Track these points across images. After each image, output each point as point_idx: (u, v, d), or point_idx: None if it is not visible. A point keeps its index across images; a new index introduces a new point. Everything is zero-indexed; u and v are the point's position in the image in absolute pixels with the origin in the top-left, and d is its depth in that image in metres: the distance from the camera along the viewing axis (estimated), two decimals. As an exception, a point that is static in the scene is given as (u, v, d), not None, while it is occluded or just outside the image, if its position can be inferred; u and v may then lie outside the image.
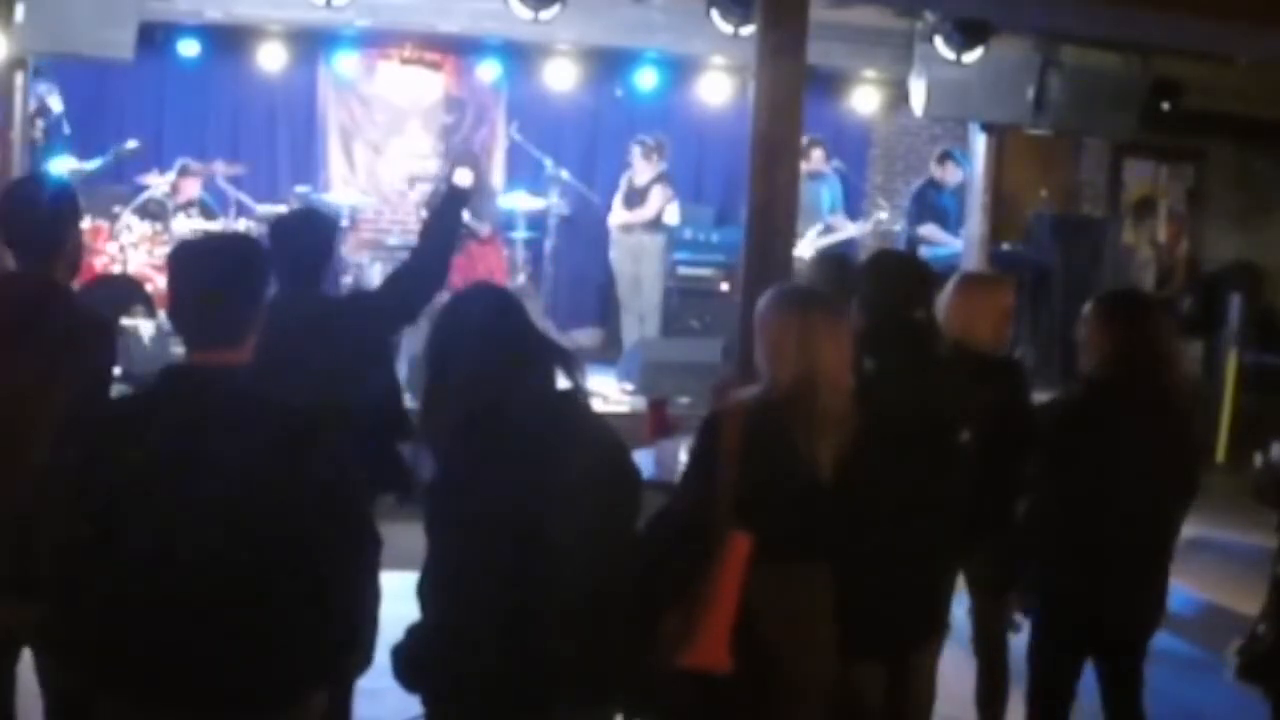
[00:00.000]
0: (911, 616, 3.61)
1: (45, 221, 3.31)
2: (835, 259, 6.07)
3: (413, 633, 2.72)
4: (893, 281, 3.75)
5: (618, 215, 9.89)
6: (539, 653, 2.66)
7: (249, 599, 2.47)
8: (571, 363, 2.83)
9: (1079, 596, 3.85)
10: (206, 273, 2.60)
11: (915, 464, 3.44)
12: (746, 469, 3.12)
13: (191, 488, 2.43)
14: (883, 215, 10.09)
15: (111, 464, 2.50)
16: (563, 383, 2.84)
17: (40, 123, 8.50)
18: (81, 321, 3.32)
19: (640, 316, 9.90)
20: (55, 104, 8.70)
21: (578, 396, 2.85)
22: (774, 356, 3.24)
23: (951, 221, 9.85)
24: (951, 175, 9.95)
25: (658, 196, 9.75)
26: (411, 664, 2.71)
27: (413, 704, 2.84)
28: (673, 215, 9.85)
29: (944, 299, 4.24)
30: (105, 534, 2.47)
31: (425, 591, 2.71)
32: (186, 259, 2.70)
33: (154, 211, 9.08)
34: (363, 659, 3.28)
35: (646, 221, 9.77)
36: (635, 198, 9.80)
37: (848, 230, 9.87)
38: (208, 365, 2.56)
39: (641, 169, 9.77)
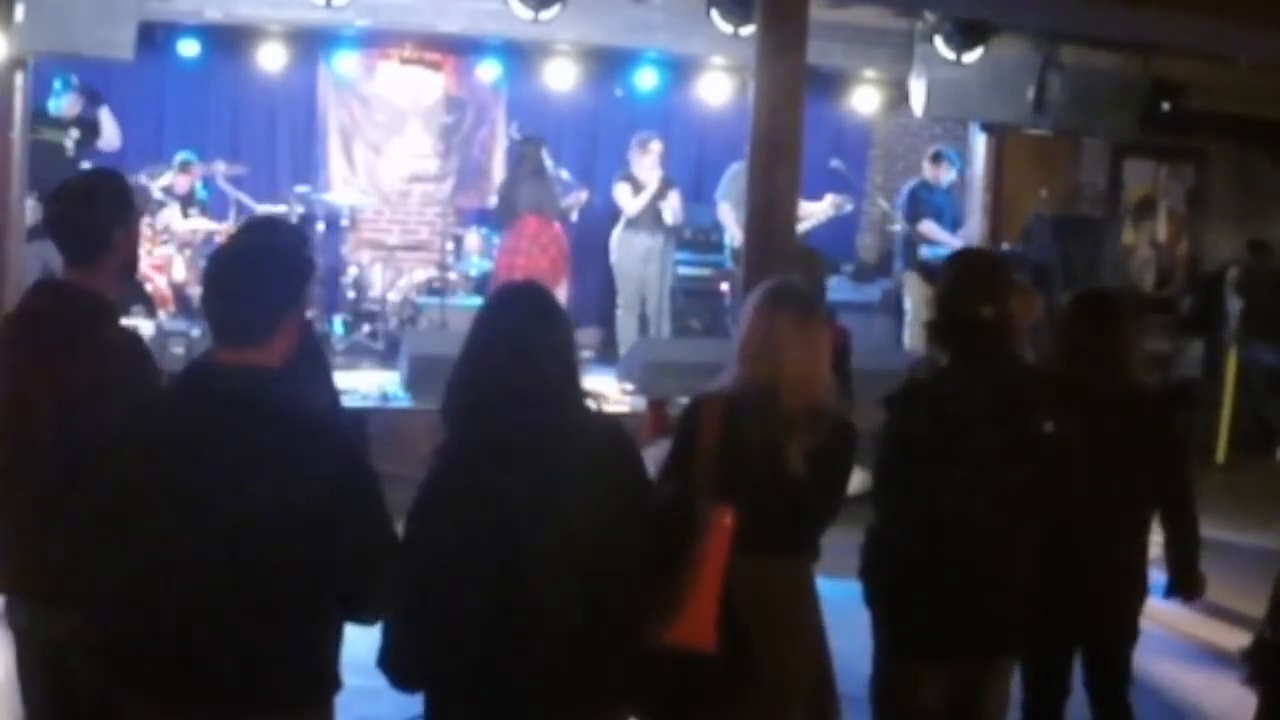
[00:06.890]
0: (979, 625, 3.51)
1: (85, 224, 3.15)
2: (805, 252, 6.00)
3: (389, 632, 2.67)
4: (957, 278, 3.67)
5: (637, 213, 9.66)
6: (524, 658, 2.63)
7: (264, 601, 2.46)
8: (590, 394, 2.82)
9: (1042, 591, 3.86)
10: (226, 272, 2.62)
11: (966, 461, 3.43)
12: (721, 457, 3.19)
13: (200, 489, 2.43)
14: (849, 205, 10.00)
15: (123, 466, 2.51)
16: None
17: (75, 132, 8.46)
18: (119, 344, 3.18)
19: (646, 317, 9.81)
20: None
21: (590, 403, 2.82)
22: (742, 353, 3.32)
23: (946, 220, 9.83)
24: (944, 175, 9.94)
25: (674, 197, 9.69)
26: (394, 665, 2.68)
27: (412, 704, 2.83)
28: (674, 213, 9.80)
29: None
30: (121, 536, 2.48)
31: (401, 585, 2.68)
32: (213, 258, 2.75)
33: (154, 211, 9.08)
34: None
35: (669, 224, 9.70)
36: (649, 198, 9.64)
37: (815, 214, 9.65)
38: (226, 363, 2.56)
39: (650, 168, 9.63)
